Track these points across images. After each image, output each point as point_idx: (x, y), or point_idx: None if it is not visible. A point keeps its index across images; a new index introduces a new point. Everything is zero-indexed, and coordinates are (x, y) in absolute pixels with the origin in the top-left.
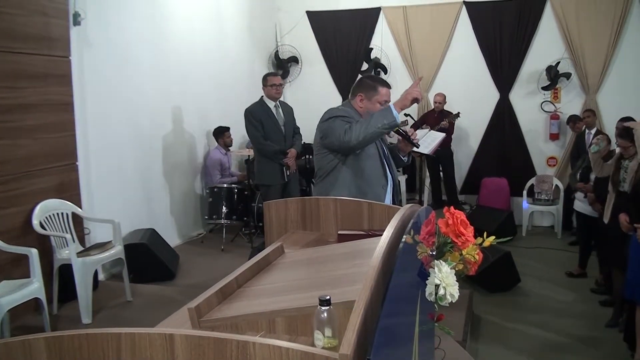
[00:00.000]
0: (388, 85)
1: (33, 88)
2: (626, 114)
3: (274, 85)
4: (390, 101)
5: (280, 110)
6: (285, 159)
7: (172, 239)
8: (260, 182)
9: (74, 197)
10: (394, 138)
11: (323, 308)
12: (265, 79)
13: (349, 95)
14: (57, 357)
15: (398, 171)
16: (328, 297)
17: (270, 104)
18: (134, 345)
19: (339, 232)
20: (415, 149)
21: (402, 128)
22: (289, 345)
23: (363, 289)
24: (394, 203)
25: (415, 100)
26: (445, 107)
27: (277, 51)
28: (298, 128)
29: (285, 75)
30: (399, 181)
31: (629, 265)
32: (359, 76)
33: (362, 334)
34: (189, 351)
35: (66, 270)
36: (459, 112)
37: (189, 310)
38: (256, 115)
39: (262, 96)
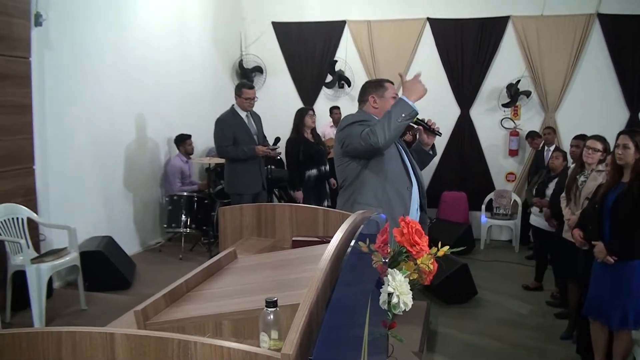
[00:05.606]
0: (391, 81)
1: None
2: (583, 132)
3: (248, 98)
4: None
5: (252, 119)
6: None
7: (130, 247)
8: (231, 191)
9: (30, 201)
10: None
11: (269, 310)
12: (240, 89)
13: (358, 105)
14: None
15: None
16: (275, 299)
17: (242, 113)
18: (74, 345)
19: (294, 239)
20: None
21: (420, 119)
22: (231, 345)
23: (309, 291)
24: (421, 205)
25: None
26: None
27: (241, 60)
28: (265, 137)
29: None
30: (423, 183)
31: (590, 282)
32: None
33: (307, 335)
34: (130, 351)
35: (20, 277)
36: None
37: (135, 312)
38: (228, 125)
39: (234, 105)
